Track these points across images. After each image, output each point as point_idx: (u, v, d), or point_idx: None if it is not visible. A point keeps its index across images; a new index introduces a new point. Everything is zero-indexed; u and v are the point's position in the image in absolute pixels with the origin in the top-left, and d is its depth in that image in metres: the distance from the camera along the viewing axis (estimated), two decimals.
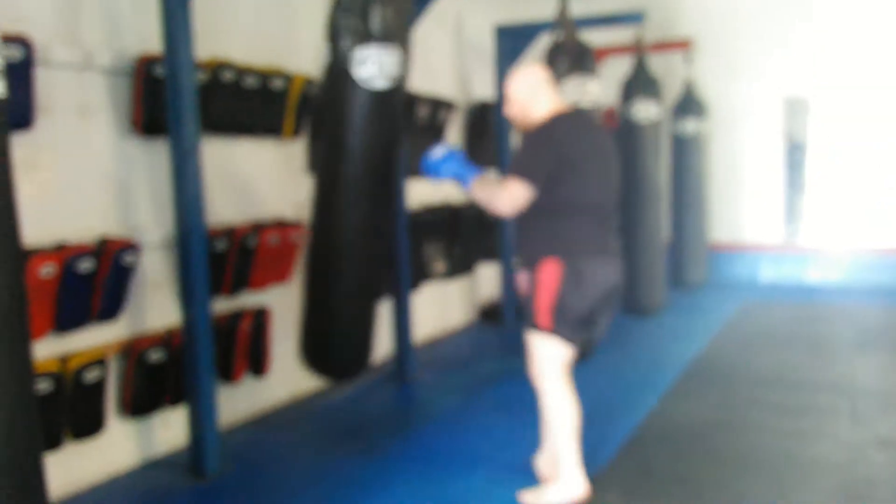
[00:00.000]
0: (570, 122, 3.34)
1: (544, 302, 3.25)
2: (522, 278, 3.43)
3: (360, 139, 3.41)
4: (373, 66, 3.22)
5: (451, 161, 3.36)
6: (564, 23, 4.76)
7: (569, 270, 3.23)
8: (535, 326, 3.31)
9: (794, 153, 8.69)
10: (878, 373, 5.24)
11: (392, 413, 4.82)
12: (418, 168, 3.54)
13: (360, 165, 3.43)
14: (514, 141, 6.85)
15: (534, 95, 3.38)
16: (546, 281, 3.25)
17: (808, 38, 8.43)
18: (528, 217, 3.30)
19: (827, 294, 8.09)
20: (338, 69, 3.31)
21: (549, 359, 3.32)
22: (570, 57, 4.67)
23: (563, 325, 3.26)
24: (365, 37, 3.24)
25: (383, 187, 3.59)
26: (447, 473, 3.76)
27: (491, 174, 3.32)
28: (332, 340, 3.60)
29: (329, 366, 3.71)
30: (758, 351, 5.88)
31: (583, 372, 5.22)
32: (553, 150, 3.22)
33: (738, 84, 8.68)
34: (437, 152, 3.40)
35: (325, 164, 3.53)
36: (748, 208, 8.88)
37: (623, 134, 6.25)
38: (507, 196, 3.22)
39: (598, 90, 4.68)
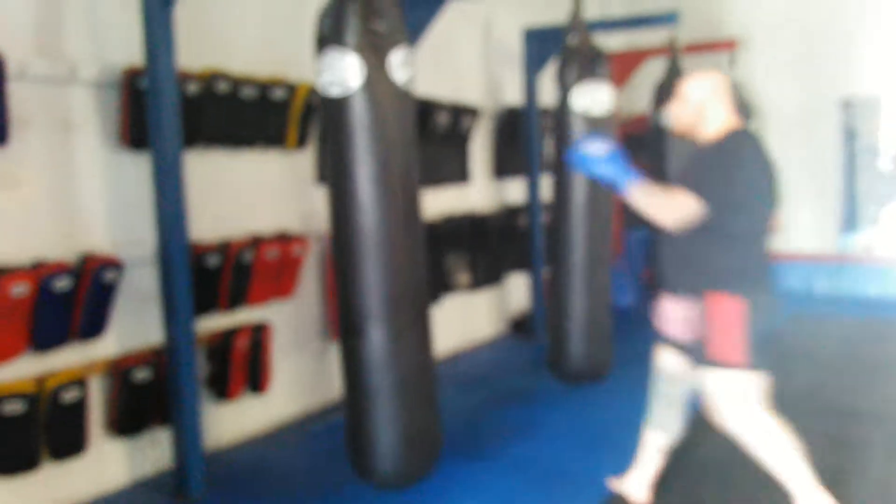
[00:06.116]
0: (753, 144, 3.12)
1: (733, 335, 3.01)
2: (677, 309, 3.16)
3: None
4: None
5: (611, 163, 3.03)
6: (577, 27, 4.53)
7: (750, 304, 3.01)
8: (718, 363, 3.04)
9: (855, 157, 8.22)
10: None
11: None
12: (566, 157, 3.19)
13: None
14: (547, 149, 6.63)
15: (712, 103, 3.15)
16: (728, 313, 3.02)
17: (871, 34, 7.96)
18: (696, 243, 3.06)
19: (888, 310, 7.59)
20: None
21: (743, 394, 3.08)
22: (583, 62, 4.44)
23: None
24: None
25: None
26: (439, 502, 3.59)
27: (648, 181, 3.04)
28: None
29: None
30: (797, 371, 5.52)
31: (599, 393, 5.01)
32: (741, 174, 3.00)
33: (790, 84, 8.25)
34: (596, 149, 3.06)
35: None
36: (802, 215, 8.43)
37: (653, 140, 5.97)
38: (678, 208, 2.96)
39: (610, 97, 4.44)
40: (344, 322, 3.04)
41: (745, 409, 3.07)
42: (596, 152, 3.03)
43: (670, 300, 3.22)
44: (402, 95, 3.02)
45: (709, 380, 3.08)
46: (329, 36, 2.95)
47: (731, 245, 3.04)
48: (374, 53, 2.94)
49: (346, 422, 3.21)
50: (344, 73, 2.85)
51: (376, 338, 2.94)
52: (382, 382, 2.96)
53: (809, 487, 3.09)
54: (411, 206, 3.07)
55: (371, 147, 2.86)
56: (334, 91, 2.88)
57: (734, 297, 3.00)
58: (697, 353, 3.10)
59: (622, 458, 3.95)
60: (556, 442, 4.33)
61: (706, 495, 3.60)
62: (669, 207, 2.99)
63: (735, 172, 3.00)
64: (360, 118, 2.85)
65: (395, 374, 2.97)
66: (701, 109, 3.16)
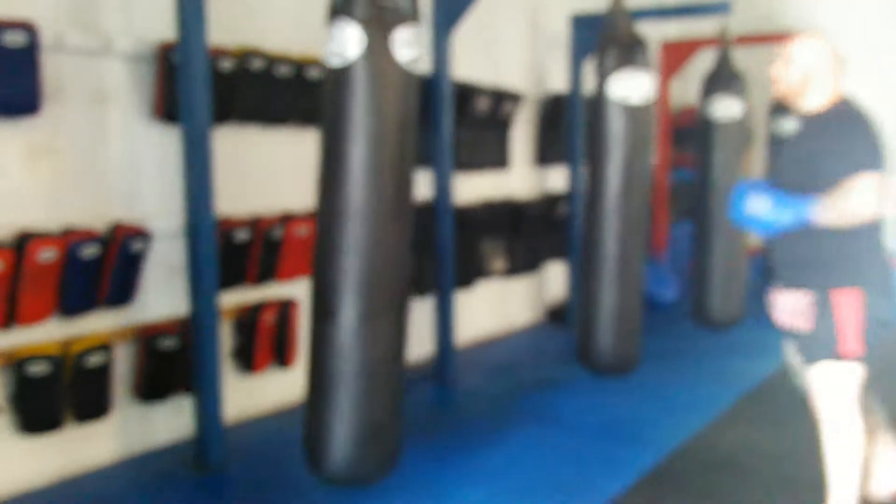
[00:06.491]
0: (865, 114, 2.94)
1: (852, 328, 2.90)
2: (792, 301, 2.99)
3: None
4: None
5: (783, 205, 2.84)
6: (619, 12, 4.44)
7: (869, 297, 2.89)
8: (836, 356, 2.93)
9: None
10: None
11: (416, 418, 4.62)
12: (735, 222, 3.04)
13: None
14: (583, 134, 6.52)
15: (823, 70, 2.96)
16: (847, 306, 2.89)
17: None
18: (811, 231, 2.87)
19: None
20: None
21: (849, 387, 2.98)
22: (623, 49, 4.35)
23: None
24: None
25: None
26: (445, 488, 3.60)
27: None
28: None
29: None
30: None
31: (624, 386, 4.92)
32: (863, 144, 2.83)
33: (850, 82, 7.97)
34: (760, 205, 2.89)
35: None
36: None
37: (700, 132, 5.83)
38: (863, 192, 2.73)
39: (650, 86, 4.35)
40: (313, 302, 3.01)
41: (841, 400, 2.96)
42: (764, 208, 2.88)
43: (785, 292, 3.03)
44: (404, 74, 2.97)
45: (818, 367, 2.97)
46: (338, 7, 2.96)
47: (851, 230, 2.83)
48: (379, 27, 2.92)
49: (305, 410, 3.08)
50: (345, 43, 2.85)
51: (346, 321, 2.87)
52: (345, 367, 2.90)
53: (849, 501, 2.99)
54: (402, 189, 3.01)
55: (363, 121, 2.83)
56: (335, 61, 2.89)
57: (852, 290, 2.87)
58: (808, 344, 2.97)
59: (631, 451, 3.96)
60: (569, 432, 4.29)
61: (724, 491, 3.54)
62: (856, 199, 2.74)
63: (856, 143, 2.83)
64: (354, 90, 2.82)
65: (362, 359, 2.89)
66: (810, 75, 2.96)
